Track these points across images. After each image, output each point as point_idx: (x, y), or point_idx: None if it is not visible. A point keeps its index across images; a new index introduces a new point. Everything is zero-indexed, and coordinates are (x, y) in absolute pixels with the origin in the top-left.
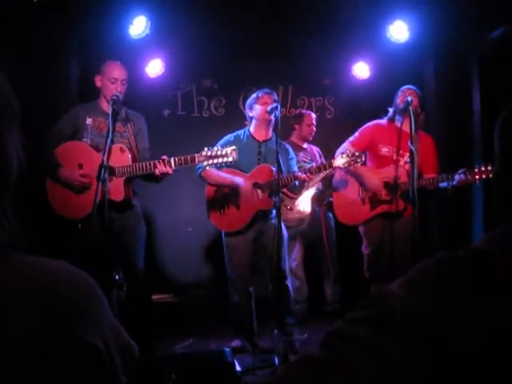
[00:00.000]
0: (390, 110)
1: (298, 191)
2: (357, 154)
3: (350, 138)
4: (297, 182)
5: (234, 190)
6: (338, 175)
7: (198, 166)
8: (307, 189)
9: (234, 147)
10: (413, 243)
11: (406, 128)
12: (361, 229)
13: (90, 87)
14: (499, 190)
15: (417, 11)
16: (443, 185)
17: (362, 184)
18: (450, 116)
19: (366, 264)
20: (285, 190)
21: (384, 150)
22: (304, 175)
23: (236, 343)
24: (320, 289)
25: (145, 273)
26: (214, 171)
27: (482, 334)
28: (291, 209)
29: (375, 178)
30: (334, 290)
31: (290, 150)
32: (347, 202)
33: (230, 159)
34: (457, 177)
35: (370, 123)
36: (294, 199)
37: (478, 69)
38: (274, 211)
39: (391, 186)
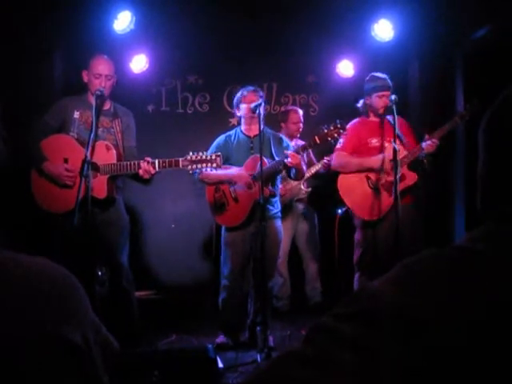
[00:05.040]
0: (362, 101)
1: (297, 176)
2: (339, 125)
3: (337, 146)
4: (293, 170)
5: (231, 185)
6: (341, 180)
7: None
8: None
9: (218, 153)
10: (396, 237)
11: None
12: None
13: (74, 81)
14: (485, 187)
15: (401, 10)
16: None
17: (367, 170)
18: (434, 114)
19: (358, 255)
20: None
21: (373, 141)
22: (289, 158)
23: (221, 339)
24: (303, 285)
25: (128, 269)
26: (209, 171)
27: (461, 333)
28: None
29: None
30: (314, 286)
31: (284, 138)
32: (361, 198)
33: (214, 165)
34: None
35: (349, 125)
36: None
37: (461, 68)
38: (273, 202)
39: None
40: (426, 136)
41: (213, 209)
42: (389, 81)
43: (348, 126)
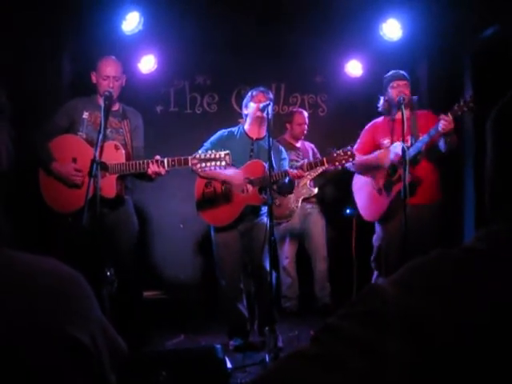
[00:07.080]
0: (381, 99)
1: (287, 189)
2: (349, 153)
3: (355, 146)
4: (286, 180)
5: (223, 184)
6: (356, 181)
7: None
8: (298, 186)
9: (227, 151)
10: (404, 238)
11: (400, 117)
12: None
13: (82, 82)
14: (493, 187)
15: (410, 10)
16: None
17: (373, 175)
18: (443, 114)
19: (373, 254)
20: (274, 187)
21: (385, 142)
22: (295, 171)
23: (233, 344)
24: (311, 285)
25: (136, 269)
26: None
27: (464, 337)
28: (280, 205)
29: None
30: (324, 286)
31: (283, 150)
32: (367, 199)
33: (223, 163)
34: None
35: (366, 126)
36: (282, 196)
37: (470, 67)
38: (263, 208)
39: (393, 166)
40: (441, 116)
41: (200, 204)
42: (402, 72)
43: (366, 126)
